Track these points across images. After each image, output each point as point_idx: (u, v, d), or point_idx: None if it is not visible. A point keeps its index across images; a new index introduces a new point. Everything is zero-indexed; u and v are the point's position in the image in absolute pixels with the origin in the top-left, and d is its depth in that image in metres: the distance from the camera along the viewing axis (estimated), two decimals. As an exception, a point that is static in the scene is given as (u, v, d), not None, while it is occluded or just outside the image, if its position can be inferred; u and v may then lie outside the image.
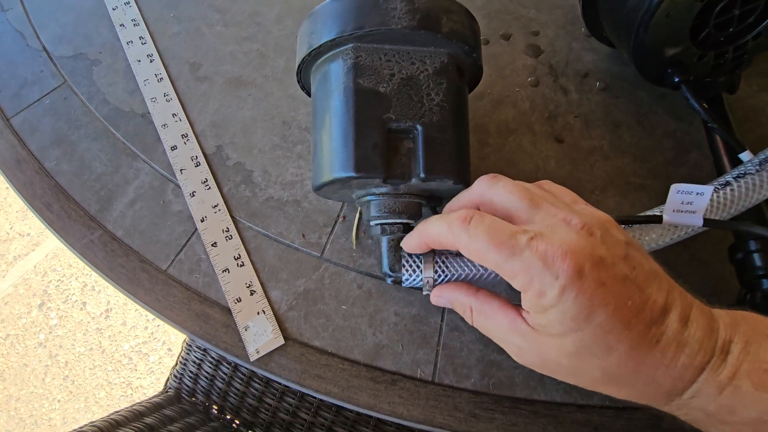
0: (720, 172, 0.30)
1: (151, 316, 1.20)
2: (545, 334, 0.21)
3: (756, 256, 0.25)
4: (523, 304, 0.21)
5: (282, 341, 0.30)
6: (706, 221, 0.24)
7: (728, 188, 0.26)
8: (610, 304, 0.19)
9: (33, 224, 1.31)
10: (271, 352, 0.30)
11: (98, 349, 1.18)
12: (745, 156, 0.28)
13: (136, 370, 1.16)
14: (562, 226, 0.20)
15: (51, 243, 1.29)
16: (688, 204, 0.24)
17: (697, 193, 0.24)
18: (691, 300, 0.21)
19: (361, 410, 0.28)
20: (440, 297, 0.26)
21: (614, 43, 0.33)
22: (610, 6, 0.30)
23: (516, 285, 0.21)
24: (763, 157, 0.27)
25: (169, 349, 1.18)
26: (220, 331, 0.30)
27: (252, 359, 0.29)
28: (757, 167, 0.26)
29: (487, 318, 0.23)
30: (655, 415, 0.28)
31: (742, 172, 0.27)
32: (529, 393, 0.28)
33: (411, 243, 0.25)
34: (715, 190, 0.27)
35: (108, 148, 0.35)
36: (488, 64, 0.37)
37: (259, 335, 0.30)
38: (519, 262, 0.20)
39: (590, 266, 0.19)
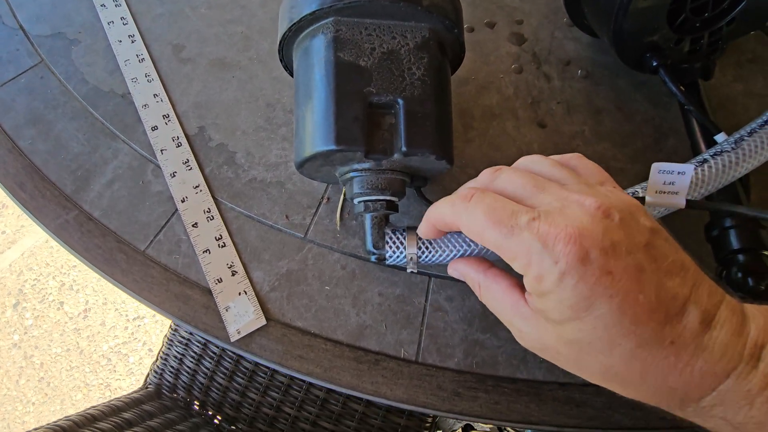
0: (697, 154, 0.31)
1: (131, 316, 1.17)
2: (545, 320, 0.20)
3: (731, 232, 0.26)
4: (525, 286, 0.20)
5: (264, 322, 0.29)
6: (689, 203, 0.24)
7: (705, 165, 0.27)
8: (617, 296, 0.17)
9: (8, 222, 1.27)
10: (252, 332, 0.29)
11: (76, 349, 1.15)
12: (720, 137, 0.28)
13: (115, 371, 1.13)
14: (573, 206, 0.19)
15: (27, 241, 1.25)
16: (670, 184, 0.24)
17: (678, 173, 0.24)
18: (721, 297, 0.18)
19: (344, 390, 0.28)
20: (455, 269, 0.25)
21: (595, 29, 0.34)
22: (591, -8, 0.31)
23: (516, 267, 0.19)
24: (738, 136, 0.27)
25: (150, 350, 1.15)
26: (200, 312, 0.30)
27: (233, 340, 0.29)
28: (733, 145, 0.27)
29: (492, 297, 0.22)
30: (635, 391, 0.28)
31: (719, 150, 0.27)
32: (512, 372, 0.28)
33: (422, 228, 0.25)
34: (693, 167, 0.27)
35: (86, 128, 0.34)
36: (473, 51, 0.37)
37: (240, 316, 0.29)
38: (517, 243, 0.19)
39: (598, 252, 0.17)
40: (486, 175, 0.22)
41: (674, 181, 0.25)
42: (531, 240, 0.18)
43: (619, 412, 0.27)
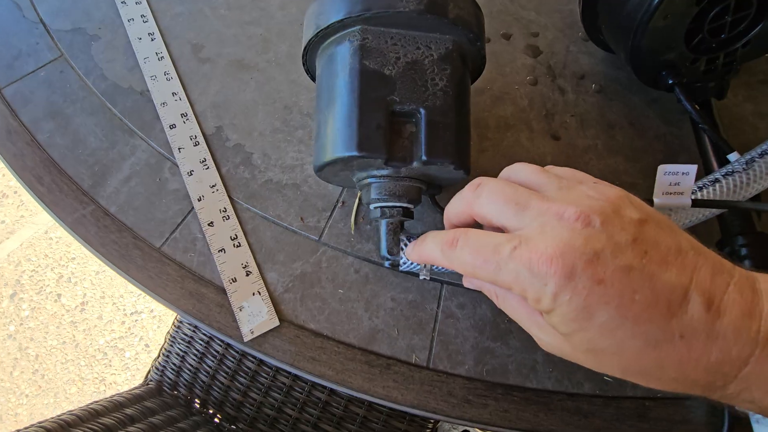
0: (708, 173, 0.31)
1: (128, 310, 1.17)
2: (557, 332, 0.20)
3: (743, 250, 0.27)
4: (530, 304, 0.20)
5: (277, 323, 0.30)
6: (695, 201, 0.24)
7: (717, 185, 0.27)
8: (612, 301, 0.17)
9: (8, 212, 1.27)
10: (265, 333, 0.29)
11: (72, 342, 1.14)
12: (733, 157, 0.29)
13: (110, 365, 1.13)
14: (553, 222, 0.19)
15: (26, 232, 1.25)
16: (676, 185, 0.25)
17: (683, 173, 0.25)
18: (728, 275, 0.18)
19: (355, 393, 0.28)
20: (470, 282, 0.26)
21: (611, 45, 0.35)
22: (609, 8, 0.31)
23: (516, 294, 0.20)
24: (749, 157, 0.28)
25: (147, 345, 1.15)
26: (214, 310, 0.30)
27: (246, 339, 0.29)
28: (744, 166, 0.28)
29: (510, 307, 0.23)
30: (642, 404, 0.28)
31: (730, 170, 0.28)
32: (521, 380, 0.29)
33: (412, 256, 0.26)
34: (704, 186, 0.28)
35: (104, 124, 0.35)
36: (489, 62, 0.38)
37: (254, 316, 0.30)
38: (507, 274, 0.19)
39: (583, 265, 0.17)
40: (469, 192, 0.22)
41: (679, 181, 0.25)
42: (518, 268, 0.19)
43: (627, 424, 0.28)
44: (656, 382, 0.19)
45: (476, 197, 0.22)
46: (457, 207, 0.23)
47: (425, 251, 0.24)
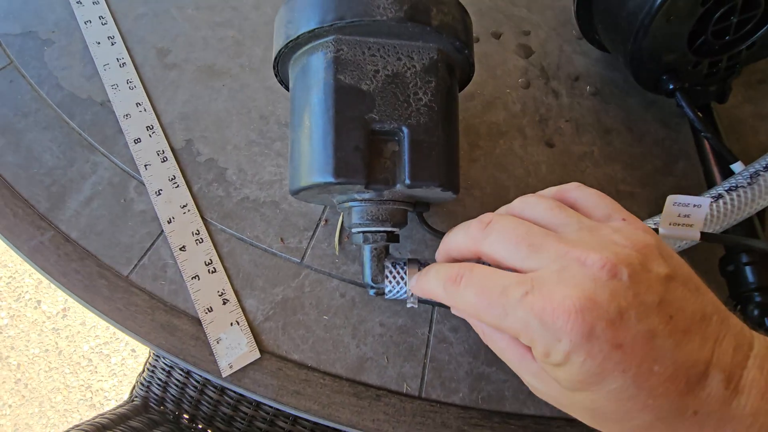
0: (709, 181, 0.30)
1: (112, 315, 1.14)
2: (556, 382, 0.18)
3: (748, 269, 0.25)
4: (534, 353, 0.18)
5: (258, 355, 0.28)
6: (703, 235, 0.23)
7: (721, 201, 0.26)
8: (630, 370, 0.16)
9: (-19, 215, 1.21)
10: (245, 366, 0.27)
11: (54, 350, 1.11)
12: (737, 167, 0.27)
13: (96, 372, 1.10)
14: (574, 266, 0.16)
15: (1, 236, 1.20)
16: (685, 217, 0.23)
17: (695, 205, 0.23)
18: (748, 348, 0.17)
19: (343, 428, 0.27)
20: (458, 311, 0.23)
21: (608, 47, 0.33)
22: (607, 8, 0.29)
23: (525, 343, 0.18)
24: (753, 170, 0.26)
25: (133, 350, 1.12)
26: (189, 344, 0.28)
27: (224, 375, 0.27)
28: (748, 180, 0.26)
29: (498, 349, 0.21)
30: (644, 429, 0.27)
31: (734, 185, 0.26)
32: (518, 407, 0.27)
33: (415, 290, 0.23)
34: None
35: (61, 139, 0.32)
36: (479, 63, 0.36)
37: (233, 348, 0.28)
38: (514, 322, 0.17)
39: (604, 325, 0.15)
40: (477, 230, 0.20)
41: (689, 213, 0.24)
42: (528, 317, 0.17)
43: (628, 451, 0.27)
44: None
45: (485, 237, 0.19)
46: (460, 243, 0.21)
47: (427, 286, 0.22)
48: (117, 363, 1.11)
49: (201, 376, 0.53)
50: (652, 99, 0.35)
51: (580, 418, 0.19)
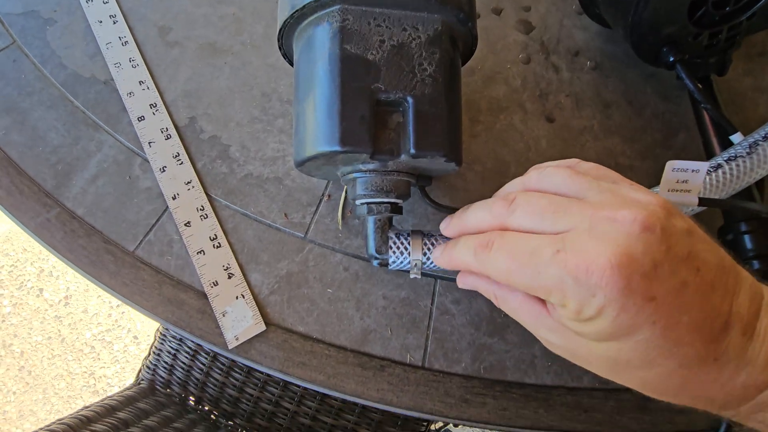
0: (709, 153, 0.30)
1: (115, 302, 1.15)
2: (576, 335, 0.18)
3: (746, 237, 0.26)
4: (563, 316, 0.18)
5: (263, 327, 0.28)
6: (701, 200, 0.23)
7: (720, 171, 0.26)
8: (660, 321, 0.16)
9: (-19, 206, 1.21)
10: (251, 339, 0.28)
11: (57, 337, 1.12)
12: (736, 138, 0.28)
13: (99, 359, 1.11)
14: (605, 224, 0.17)
15: (2, 226, 1.20)
16: (684, 182, 0.24)
17: (693, 170, 0.23)
18: (760, 299, 0.17)
19: (348, 398, 0.27)
20: (465, 283, 0.24)
21: (608, 20, 0.33)
22: (608, -20, 0.29)
23: (553, 302, 0.18)
24: (752, 140, 0.27)
25: (135, 337, 1.13)
26: (195, 317, 0.28)
27: (230, 347, 0.28)
28: (747, 150, 0.26)
29: (511, 309, 0.21)
30: (643, 396, 0.28)
31: (733, 154, 0.26)
32: (520, 376, 0.28)
33: (441, 261, 0.23)
34: (707, 172, 0.26)
35: (65, 118, 0.32)
36: (479, 39, 0.35)
37: (238, 321, 0.28)
38: (547, 280, 0.17)
39: (639, 279, 0.16)
40: (501, 208, 0.20)
41: (688, 179, 0.24)
42: (561, 275, 0.17)
43: (627, 417, 0.27)
44: (672, 397, 0.19)
45: (511, 213, 0.19)
46: (482, 220, 0.21)
47: (455, 256, 0.22)
48: (119, 350, 1.12)
49: (207, 356, 0.54)
50: (651, 72, 0.35)
51: (595, 368, 0.20)
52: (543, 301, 0.20)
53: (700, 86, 0.28)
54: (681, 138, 0.34)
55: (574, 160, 0.22)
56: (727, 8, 0.28)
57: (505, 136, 0.33)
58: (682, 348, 0.16)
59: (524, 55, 0.36)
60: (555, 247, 0.17)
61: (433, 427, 0.69)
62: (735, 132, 0.28)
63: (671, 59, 0.29)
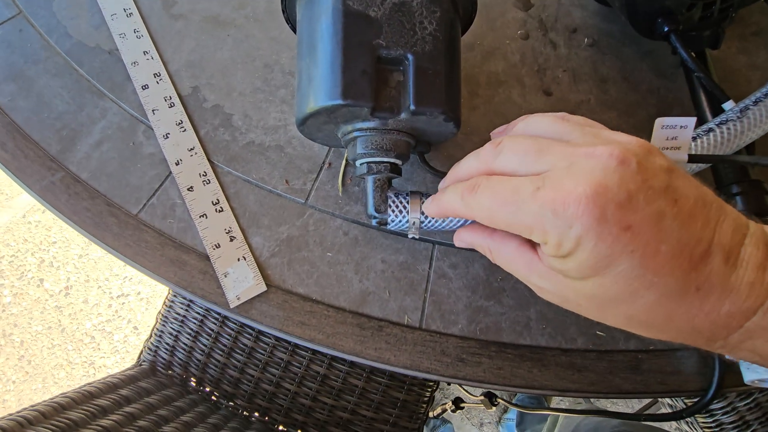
0: (703, 124, 0.31)
1: (115, 293, 1.15)
2: (564, 276, 0.19)
3: (738, 198, 0.26)
4: (546, 252, 0.19)
5: (264, 288, 0.29)
6: (691, 156, 0.24)
7: (711, 134, 0.27)
8: (638, 250, 0.16)
9: (-17, 197, 1.22)
10: (252, 299, 0.28)
11: (57, 327, 1.12)
12: (728, 105, 0.28)
13: (99, 349, 1.11)
14: (583, 160, 0.17)
15: (3, 217, 1.20)
16: (673, 139, 0.24)
17: (681, 126, 0.24)
18: (744, 229, 0.17)
19: (346, 356, 0.28)
20: (461, 240, 0.24)
21: (605, -6, 0.33)
22: (604, -47, 0.30)
23: (535, 239, 0.19)
24: (743, 105, 0.27)
25: (135, 327, 1.13)
26: (197, 277, 0.29)
27: (232, 306, 0.28)
28: (738, 114, 0.27)
29: (505, 259, 0.22)
30: (635, 356, 0.28)
31: (724, 119, 0.27)
32: (515, 338, 0.28)
33: (431, 210, 0.24)
34: (698, 136, 0.27)
35: (71, 86, 0.32)
36: (479, 15, 0.36)
37: (240, 282, 0.29)
38: (527, 216, 0.18)
39: (614, 208, 0.16)
40: (488, 152, 0.21)
41: (677, 135, 0.25)
42: (540, 210, 0.17)
43: (620, 377, 0.28)
44: (658, 332, 0.19)
45: (496, 155, 0.20)
46: (472, 166, 0.22)
47: (445, 201, 0.22)
48: (119, 340, 1.12)
49: (209, 338, 0.54)
50: (648, 49, 0.36)
51: (584, 311, 0.20)
52: (534, 249, 0.21)
53: (693, 55, 0.29)
54: (675, 113, 0.34)
55: (562, 113, 0.22)
56: (720, -21, 0.28)
57: (503, 109, 0.34)
58: (663, 278, 0.17)
59: (523, 32, 0.36)
60: (535, 185, 0.18)
61: (431, 413, 0.69)
62: (727, 100, 0.28)
63: (666, 29, 0.29)
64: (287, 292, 0.29)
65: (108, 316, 1.14)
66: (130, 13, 0.34)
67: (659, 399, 0.57)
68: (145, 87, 0.32)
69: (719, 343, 0.18)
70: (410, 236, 0.27)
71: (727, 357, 0.22)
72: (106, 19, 0.34)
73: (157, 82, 0.33)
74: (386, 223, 0.26)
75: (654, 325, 0.18)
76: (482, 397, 0.59)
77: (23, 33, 0.34)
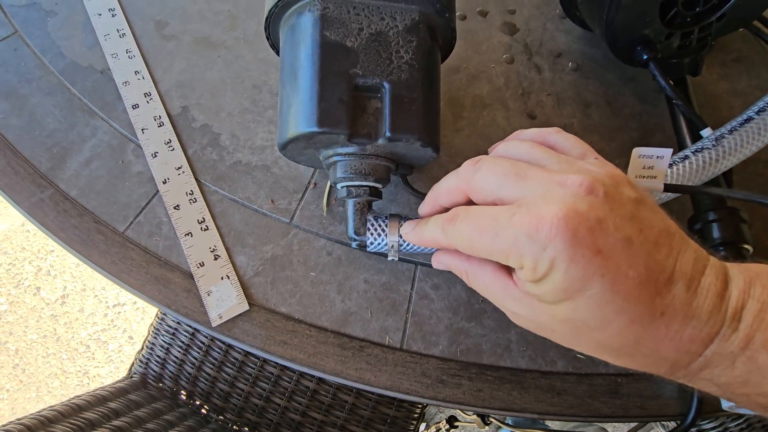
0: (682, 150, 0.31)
1: (111, 302, 1.15)
2: (538, 301, 0.20)
3: (714, 225, 0.26)
4: (522, 278, 0.20)
5: (246, 307, 0.29)
6: (667, 186, 0.24)
7: (687, 162, 0.27)
8: (608, 274, 0.17)
9: (-18, 204, 1.23)
10: (234, 317, 0.29)
11: (53, 336, 1.12)
12: (706, 132, 0.29)
13: (93, 358, 1.11)
14: (556, 189, 0.18)
15: (2, 224, 1.21)
16: (649, 168, 0.25)
17: (657, 157, 0.24)
18: (705, 260, 0.18)
19: (327, 377, 0.28)
20: (439, 262, 0.25)
21: (587, 21, 0.34)
22: (585, -18, 0.31)
23: (512, 265, 0.19)
24: (719, 133, 0.28)
25: (130, 337, 1.13)
26: (181, 296, 0.29)
27: (214, 324, 0.28)
28: (714, 142, 0.27)
29: (481, 283, 0.22)
30: (615, 380, 0.29)
31: (700, 147, 0.27)
32: (495, 360, 0.29)
33: (413, 239, 0.25)
34: (674, 163, 0.27)
35: (63, 104, 0.33)
36: (465, 39, 0.37)
37: (223, 300, 0.29)
38: (505, 242, 0.18)
39: (585, 231, 0.17)
40: (468, 169, 0.22)
41: (653, 165, 0.25)
42: (516, 234, 0.18)
43: (599, 401, 0.28)
44: (627, 359, 0.19)
45: (474, 172, 0.21)
46: (451, 183, 0.22)
47: (426, 232, 0.23)
48: (114, 350, 1.12)
49: (200, 351, 0.54)
50: (630, 75, 0.36)
51: (558, 337, 0.21)
52: (509, 274, 0.21)
53: (672, 83, 0.30)
54: (657, 138, 0.35)
55: (554, 129, 0.23)
56: (697, 9, 0.29)
57: (487, 131, 0.34)
58: (631, 303, 0.17)
59: (508, 56, 0.37)
60: (511, 212, 0.19)
61: (422, 427, 0.69)
62: (705, 127, 0.29)
63: (645, 57, 0.30)
64: (270, 311, 0.29)
65: (103, 325, 1.14)
66: (123, 34, 0.35)
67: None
68: (135, 106, 0.33)
69: (681, 372, 0.19)
70: (390, 258, 0.27)
71: (688, 388, 0.23)
72: (99, 40, 0.35)
73: (148, 102, 0.33)
74: (365, 246, 0.27)
75: (623, 352, 0.19)
76: (475, 416, 0.59)
77: (18, 52, 0.34)
